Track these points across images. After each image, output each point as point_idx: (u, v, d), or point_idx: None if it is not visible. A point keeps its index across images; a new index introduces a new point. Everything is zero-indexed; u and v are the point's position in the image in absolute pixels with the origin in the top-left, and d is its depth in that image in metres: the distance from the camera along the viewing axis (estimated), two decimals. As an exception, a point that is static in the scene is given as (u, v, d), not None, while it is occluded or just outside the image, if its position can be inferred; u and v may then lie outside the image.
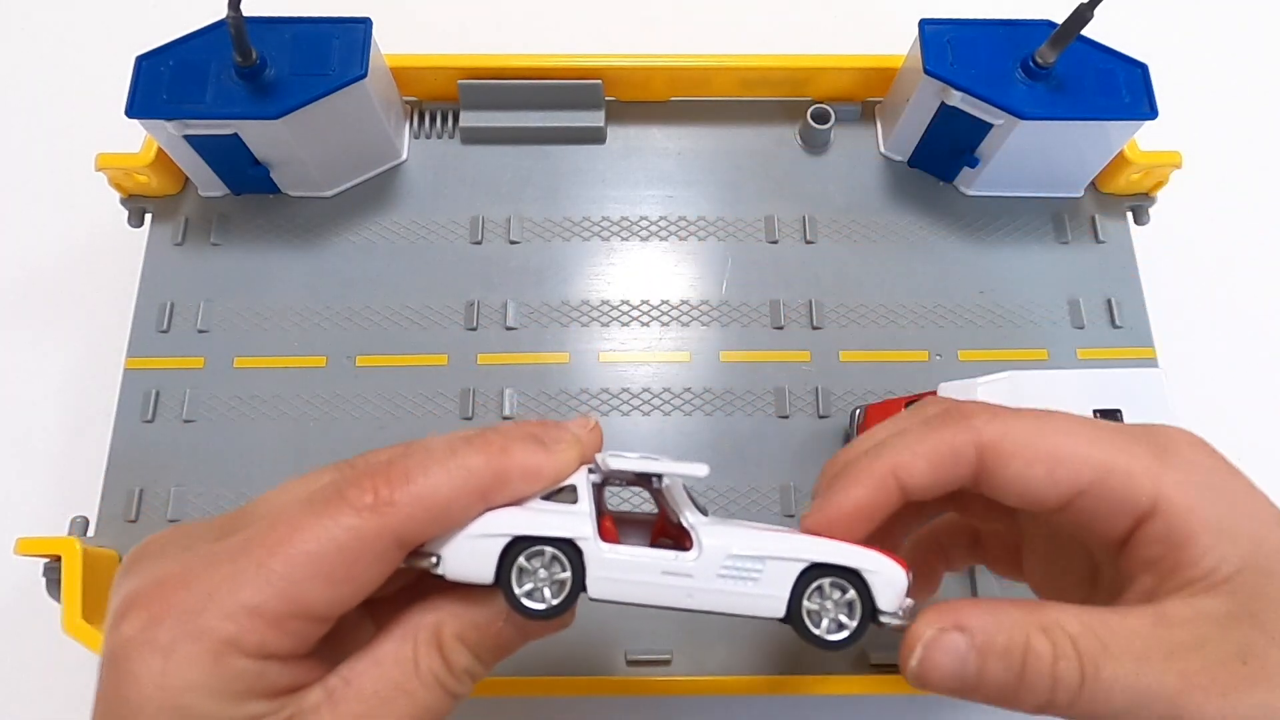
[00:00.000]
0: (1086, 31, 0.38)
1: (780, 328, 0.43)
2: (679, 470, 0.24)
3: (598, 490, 0.25)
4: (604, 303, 0.44)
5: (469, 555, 0.22)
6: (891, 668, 0.38)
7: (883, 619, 0.23)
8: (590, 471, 0.24)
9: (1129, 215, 0.46)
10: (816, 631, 0.23)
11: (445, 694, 0.23)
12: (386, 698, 0.22)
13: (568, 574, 0.23)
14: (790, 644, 0.38)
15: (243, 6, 0.36)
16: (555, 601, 0.23)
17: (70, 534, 0.38)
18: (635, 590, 0.23)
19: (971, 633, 0.22)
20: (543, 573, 0.23)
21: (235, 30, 0.37)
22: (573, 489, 0.24)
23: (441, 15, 0.57)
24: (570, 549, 0.23)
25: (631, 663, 0.38)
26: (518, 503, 0.23)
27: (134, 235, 0.45)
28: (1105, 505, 0.22)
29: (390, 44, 0.43)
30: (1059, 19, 0.38)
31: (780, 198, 0.46)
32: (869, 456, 0.24)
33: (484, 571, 0.22)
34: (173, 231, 0.45)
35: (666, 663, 0.38)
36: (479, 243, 0.45)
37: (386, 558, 0.22)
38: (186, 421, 0.41)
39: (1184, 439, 0.22)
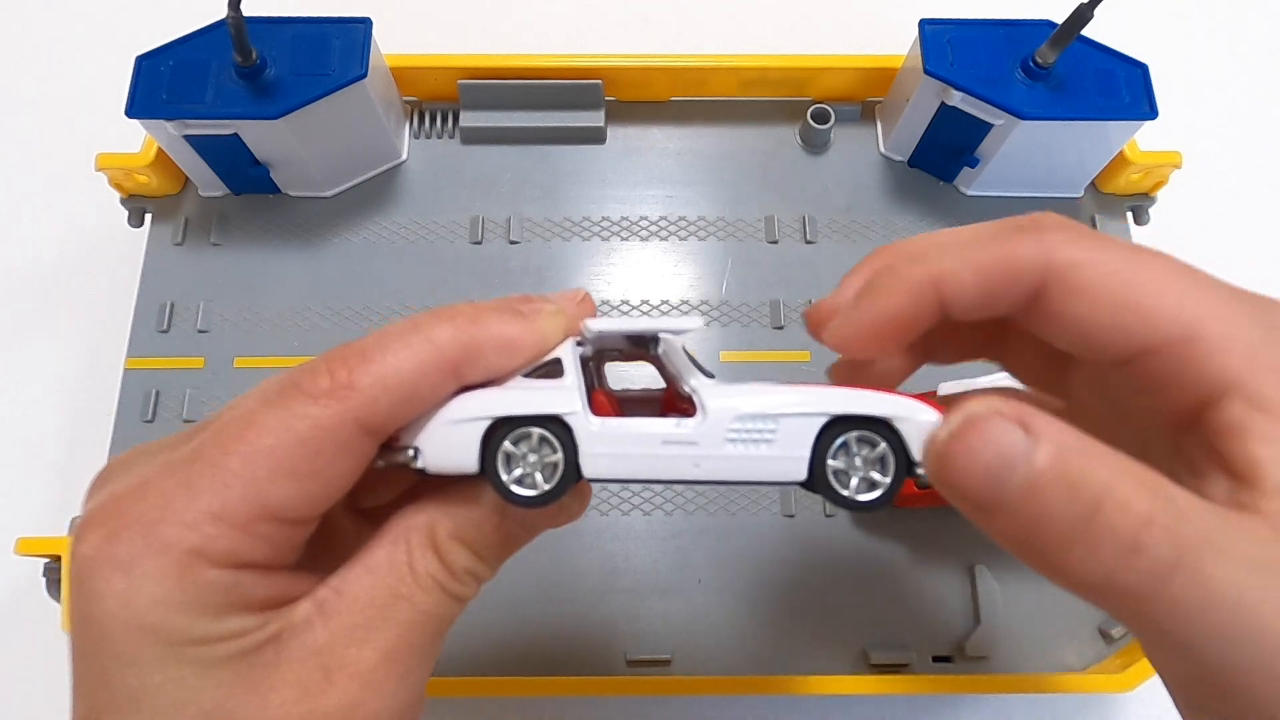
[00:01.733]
0: (1086, 31, 0.38)
1: (780, 328, 0.43)
2: (670, 326, 0.22)
3: (593, 364, 0.24)
4: (604, 303, 0.44)
5: (448, 443, 0.20)
6: (892, 668, 0.38)
7: (920, 471, 0.20)
8: (578, 344, 0.22)
9: (1129, 215, 0.46)
10: (845, 493, 0.20)
11: (447, 596, 0.21)
12: (383, 604, 0.20)
13: (559, 455, 0.21)
14: (791, 644, 0.38)
15: (243, 6, 0.36)
16: (548, 486, 0.20)
17: (70, 534, 0.38)
18: (634, 465, 0.21)
19: (1039, 439, 0.16)
20: (532, 457, 0.21)
21: (235, 30, 0.37)
22: (558, 363, 0.21)
23: (441, 15, 0.57)
24: (559, 427, 0.21)
25: (631, 663, 0.38)
26: (496, 382, 0.21)
27: (134, 235, 0.45)
28: (1179, 374, 0.18)
29: (390, 44, 0.43)
30: (1059, 19, 0.38)
31: (780, 198, 0.46)
32: (909, 261, 0.20)
33: (467, 460, 0.20)
34: (173, 231, 0.45)
35: (666, 663, 0.38)
36: (479, 243, 0.45)
37: (353, 447, 0.19)
38: (186, 421, 0.41)
39: None
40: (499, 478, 0.21)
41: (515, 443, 0.21)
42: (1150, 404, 0.19)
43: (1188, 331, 0.17)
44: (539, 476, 0.21)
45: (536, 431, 0.21)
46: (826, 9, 0.58)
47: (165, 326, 0.43)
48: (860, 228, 0.45)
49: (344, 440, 0.19)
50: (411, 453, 0.21)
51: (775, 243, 0.45)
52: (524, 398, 0.21)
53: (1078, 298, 0.18)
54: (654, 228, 0.45)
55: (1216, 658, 0.16)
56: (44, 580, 0.37)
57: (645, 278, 0.44)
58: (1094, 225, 0.45)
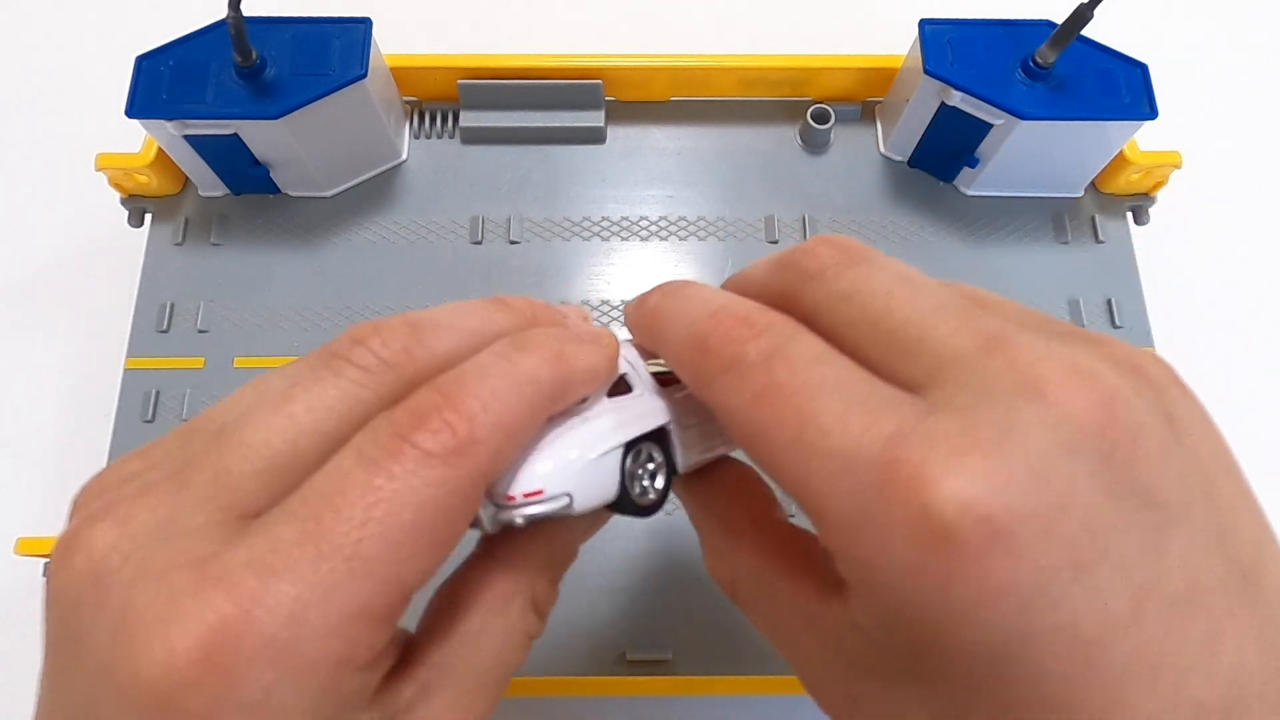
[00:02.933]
0: (1086, 31, 0.38)
1: (780, 328, 0.43)
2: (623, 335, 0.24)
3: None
4: (604, 303, 0.44)
5: (596, 480, 0.20)
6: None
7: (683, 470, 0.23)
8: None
9: (1129, 215, 0.46)
10: (635, 499, 0.21)
11: (531, 644, 0.21)
12: (483, 677, 0.19)
13: (661, 459, 0.22)
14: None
15: (243, 6, 0.36)
16: (661, 489, 0.22)
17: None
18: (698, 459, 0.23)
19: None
20: (640, 470, 0.21)
21: (235, 30, 0.37)
22: (622, 377, 0.22)
23: (441, 15, 0.57)
24: (661, 434, 0.22)
25: (631, 663, 0.38)
26: (572, 410, 0.21)
27: (134, 235, 0.45)
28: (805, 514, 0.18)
29: (390, 44, 0.43)
30: (1059, 19, 0.38)
31: (780, 198, 0.46)
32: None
33: (609, 491, 0.20)
34: (173, 231, 0.45)
35: (667, 663, 0.38)
36: (479, 243, 0.45)
37: (476, 504, 0.18)
38: (186, 422, 0.41)
39: (931, 460, 0.15)
40: (631, 499, 0.21)
41: (634, 460, 0.21)
42: None
43: (795, 493, 0.18)
44: (649, 485, 0.22)
45: (647, 446, 0.21)
46: (826, 9, 0.58)
47: (165, 326, 0.43)
48: (860, 228, 0.45)
49: (473, 499, 0.17)
50: (567, 500, 0.19)
51: (775, 243, 0.45)
52: (637, 417, 0.21)
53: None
54: (654, 228, 0.45)
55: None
56: (44, 580, 0.37)
57: (645, 278, 0.44)
58: (1094, 225, 0.45)
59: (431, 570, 0.17)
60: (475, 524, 0.19)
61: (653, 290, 0.22)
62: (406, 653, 0.19)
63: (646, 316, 0.21)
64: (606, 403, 0.21)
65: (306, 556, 0.15)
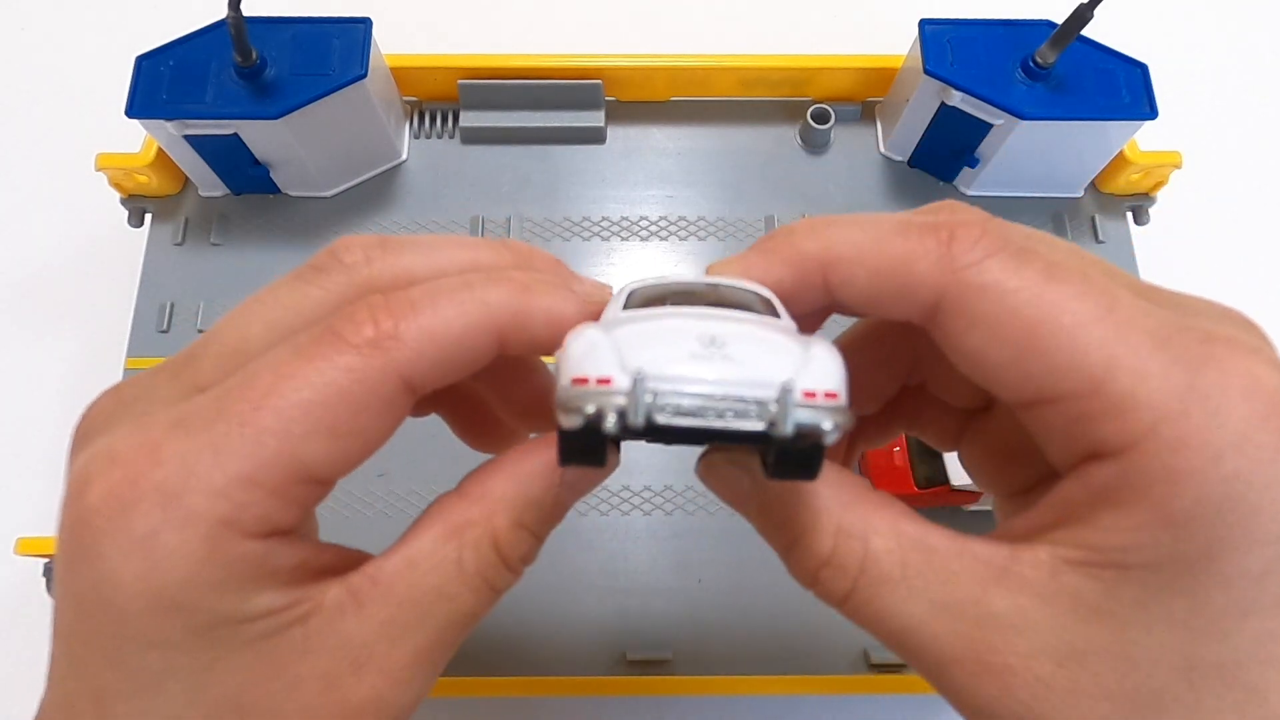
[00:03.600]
0: (1086, 31, 0.38)
1: (780, 328, 0.43)
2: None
3: None
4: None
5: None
6: (892, 667, 0.38)
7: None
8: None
9: (1129, 215, 0.46)
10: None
11: (491, 592, 0.20)
12: (422, 604, 0.19)
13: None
14: (791, 644, 0.38)
15: (243, 6, 0.36)
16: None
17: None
18: None
19: (757, 484, 0.19)
20: None
21: (235, 30, 0.37)
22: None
23: (441, 15, 0.57)
24: None
25: (631, 663, 0.38)
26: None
27: (134, 235, 0.45)
28: (1069, 425, 0.16)
29: (390, 44, 0.43)
30: (1059, 19, 0.38)
31: (780, 198, 0.46)
32: (808, 228, 0.18)
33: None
34: (173, 231, 0.45)
35: (667, 663, 0.38)
36: (479, 243, 0.45)
37: (394, 404, 0.18)
38: (186, 421, 0.41)
39: (1240, 364, 0.15)
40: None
41: None
42: (1050, 438, 0.17)
43: (1093, 385, 0.15)
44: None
45: None
46: (826, 9, 0.58)
47: (165, 326, 0.43)
48: (860, 228, 0.45)
49: (387, 396, 0.17)
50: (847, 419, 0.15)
51: (775, 243, 0.45)
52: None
53: (975, 330, 0.16)
54: (654, 228, 0.45)
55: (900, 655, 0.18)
56: (44, 580, 0.37)
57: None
58: (1094, 225, 0.45)
59: (338, 459, 0.17)
60: (762, 437, 0.15)
61: (793, 229, 0.19)
62: (349, 561, 0.19)
63: (819, 241, 0.18)
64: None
65: (209, 419, 0.17)
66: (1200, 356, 0.15)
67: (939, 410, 0.24)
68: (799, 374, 0.15)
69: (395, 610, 0.19)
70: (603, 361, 0.15)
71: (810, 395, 0.15)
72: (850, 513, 0.18)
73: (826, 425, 0.15)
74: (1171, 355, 0.15)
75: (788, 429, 0.15)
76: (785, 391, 0.15)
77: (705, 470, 0.20)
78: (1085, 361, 0.15)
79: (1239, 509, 0.15)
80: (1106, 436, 0.15)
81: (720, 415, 0.15)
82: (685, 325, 0.16)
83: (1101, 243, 0.45)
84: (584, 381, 0.15)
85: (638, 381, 0.15)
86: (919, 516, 0.18)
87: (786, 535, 0.19)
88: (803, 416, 0.15)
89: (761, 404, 0.15)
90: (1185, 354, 0.15)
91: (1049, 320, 0.16)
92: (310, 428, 0.17)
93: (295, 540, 0.18)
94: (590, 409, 0.15)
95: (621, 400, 0.15)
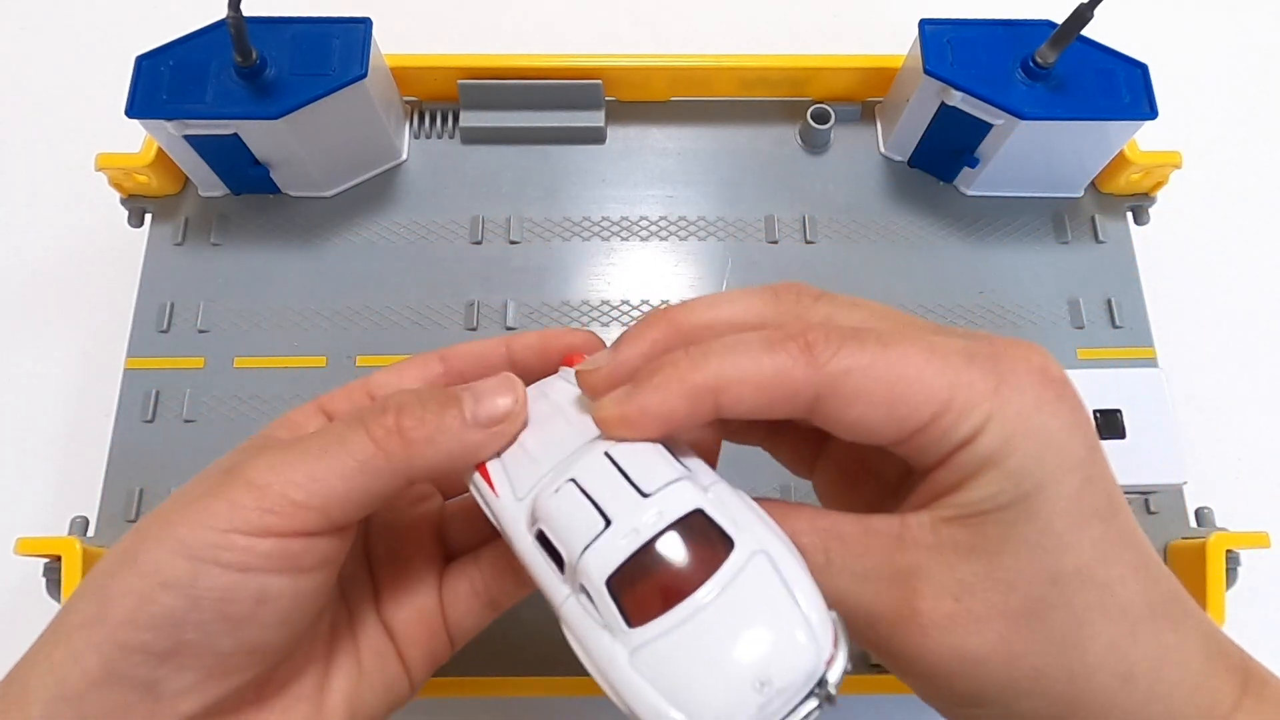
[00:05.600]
0: (1086, 31, 0.38)
1: (780, 328, 0.43)
2: None
3: None
4: (604, 302, 0.44)
5: None
6: (891, 668, 0.38)
7: None
8: None
9: (1129, 215, 0.46)
10: None
11: (363, 432, 0.23)
12: (315, 434, 0.23)
13: None
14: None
15: (243, 6, 0.36)
16: None
17: (70, 534, 0.38)
18: None
19: None
20: None
21: (235, 30, 0.37)
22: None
23: (441, 15, 0.57)
24: None
25: (631, 663, 0.38)
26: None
27: (134, 235, 0.45)
28: (935, 440, 0.21)
29: (390, 44, 0.43)
30: (1059, 19, 0.38)
31: (780, 198, 0.46)
32: (690, 361, 0.21)
33: None
34: (173, 231, 0.45)
35: (666, 663, 0.38)
36: (479, 243, 0.45)
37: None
38: (186, 421, 0.41)
39: (1023, 363, 0.21)
40: None
41: None
42: (911, 460, 0.22)
43: (944, 405, 0.20)
44: None
45: None
46: (826, 9, 0.58)
47: (165, 326, 0.43)
48: (860, 228, 0.45)
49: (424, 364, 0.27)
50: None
51: (775, 243, 0.45)
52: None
53: (853, 405, 0.21)
54: (654, 228, 0.45)
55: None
56: (44, 580, 0.37)
57: (645, 278, 0.44)
58: (1094, 225, 0.45)
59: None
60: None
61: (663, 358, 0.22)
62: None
63: (705, 373, 0.21)
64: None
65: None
66: (997, 362, 0.21)
67: (796, 435, 0.27)
68: (826, 668, 0.18)
69: None
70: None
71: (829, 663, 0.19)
72: (779, 522, 0.21)
73: (834, 678, 0.19)
74: (980, 368, 0.20)
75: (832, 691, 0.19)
76: (823, 684, 0.18)
77: None
78: (933, 394, 0.20)
79: (1048, 451, 0.20)
80: (964, 433, 0.20)
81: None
82: (733, 665, 0.18)
83: (1101, 243, 0.45)
84: None
85: None
86: (827, 510, 0.22)
87: None
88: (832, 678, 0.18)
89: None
90: (988, 365, 0.21)
91: (899, 378, 0.20)
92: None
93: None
94: None
95: None
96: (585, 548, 0.19)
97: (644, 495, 0.20)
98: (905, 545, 0.21)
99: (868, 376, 0.20)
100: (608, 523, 0.19)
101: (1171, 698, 0.20)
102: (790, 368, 0.20)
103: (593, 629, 0.19)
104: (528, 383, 0.24)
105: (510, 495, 0.22)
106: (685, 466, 0.21)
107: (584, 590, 0.19)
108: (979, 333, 0.22)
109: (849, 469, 0.26)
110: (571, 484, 0.20)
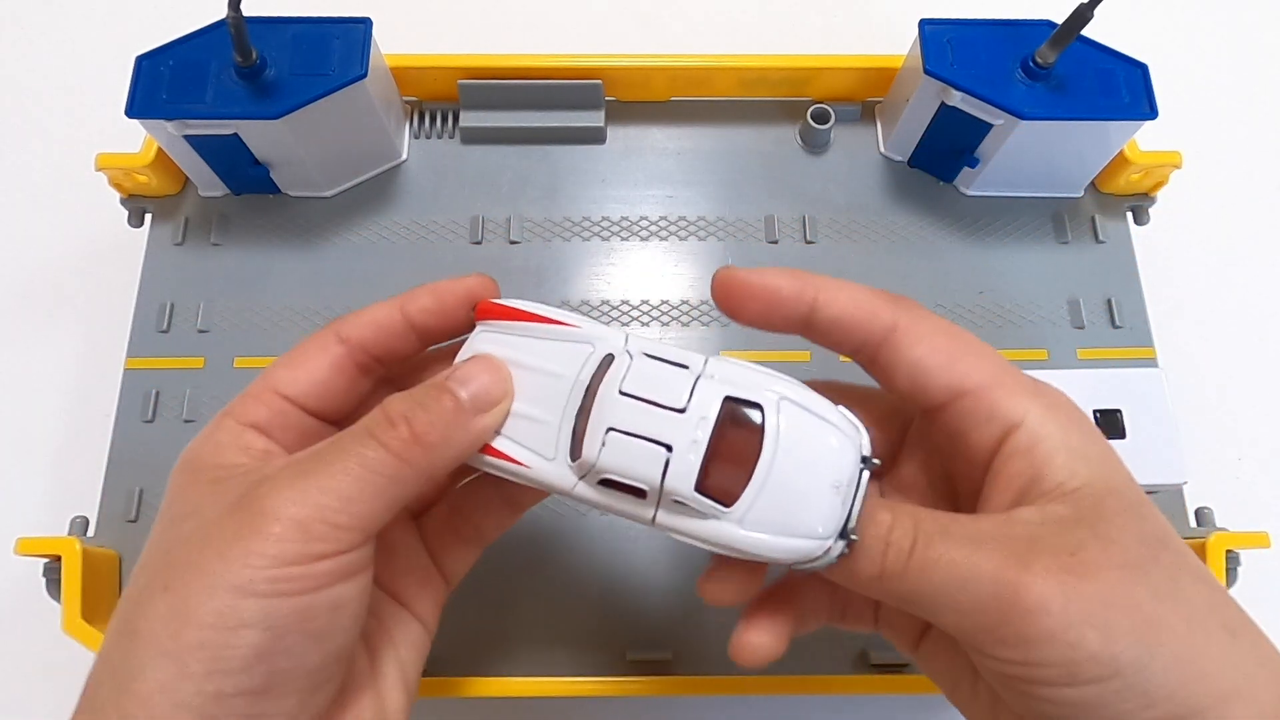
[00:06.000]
0: (1086, 31, 0.38)
1: (780, 328, 0.43)
2: None
3: None
4: (604, 302, 0.44)
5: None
6: (892, 668, 0.38)
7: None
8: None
9: (1129, 215, 0.46)
10: None
11: (382, 449, 0.23)
12: (327, 452, 0.23)
13: None
14: (791, 644, 0.38)
15: (243, 6, 0.36)
16: None
17: (70, 534, 0.38)
18: None
19: None
20: None
21: (235, 30, 0.37)
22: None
23: (441, 15, 0.57)
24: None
25: (632, 663, 0.38)
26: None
27: (134, 235, 0.45)
28: (983, 412, 0.24)
29: (390, 44, 0.43)
30: (1059, 19, 0.38)
31: (780, 198, 0.46)
32: (806, 272, 0.26)
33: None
34: (173, 231, 0.45)
35: (667, 663, 0.38)
36: (479, 243, 0.45)
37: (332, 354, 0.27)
38: (187, 421, 0.41)
39: (1051, 389, 0.25)
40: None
41: None
42: (962, 448, 0.25)
43: (987, 379, 0.24)
44: None
45: None
46: (826, 9, 0.58)
47: (165, 326, 0.43)
48: (860, 228, 0.45)
49: (323, 343, 0.27)
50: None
51: (775, 243, 0.45)
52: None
53: (918, 344, 0.24)
54: (654, 228, 0.45)
55: (950, 611, 0.22)
56: (44, 580, 0.37)
57: (645, 278, 0.44)
58: (1094, 225, 0.45)
59: (295, 381, 0.26)
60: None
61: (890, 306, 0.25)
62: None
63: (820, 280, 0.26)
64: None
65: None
66: (1035, 382, 0.25)
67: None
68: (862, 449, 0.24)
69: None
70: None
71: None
72: (889, 502, 0.24)
73: (868, 450, 0.24)
74: (1019, 378, 0.25)
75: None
76: (866, 459, 0.24)
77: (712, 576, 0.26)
78: (986, 369, 0.24)
79: (1088, 447, 0.24)
80: (1012, 409, 0.24)
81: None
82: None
83: (1101, 243, 0.45)
84: None
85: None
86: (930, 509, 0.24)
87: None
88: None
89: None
90: (1026, 380, 0.25)
91: (962, 344, 0.24)
92: (281, 362, 0.26)
93: (266, 438, 0.25)
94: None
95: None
96: (664, 475, 0.22)
97: (680, 411, 0.22)
98: (1015, 521, 0.23)
99: (937, 330, 0.25)
100: (669, 449, 0.22)
101: (1275, 659, 0.21)
102: (879, 302, 0.25)
103: (698, 521, 0.23)
104: (437, 342, 0.28)
105: (539, 460, 0.24)
106: (680, 363, 0.24)
107: (676, 501, 0.22)
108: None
109: (916, 494, 0.29)
110: (614, 433, 0.23)
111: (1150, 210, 0.46)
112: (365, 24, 0.40)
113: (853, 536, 0.23)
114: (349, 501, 0.22)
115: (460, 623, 0.38)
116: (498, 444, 0.25)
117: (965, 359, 0.24)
